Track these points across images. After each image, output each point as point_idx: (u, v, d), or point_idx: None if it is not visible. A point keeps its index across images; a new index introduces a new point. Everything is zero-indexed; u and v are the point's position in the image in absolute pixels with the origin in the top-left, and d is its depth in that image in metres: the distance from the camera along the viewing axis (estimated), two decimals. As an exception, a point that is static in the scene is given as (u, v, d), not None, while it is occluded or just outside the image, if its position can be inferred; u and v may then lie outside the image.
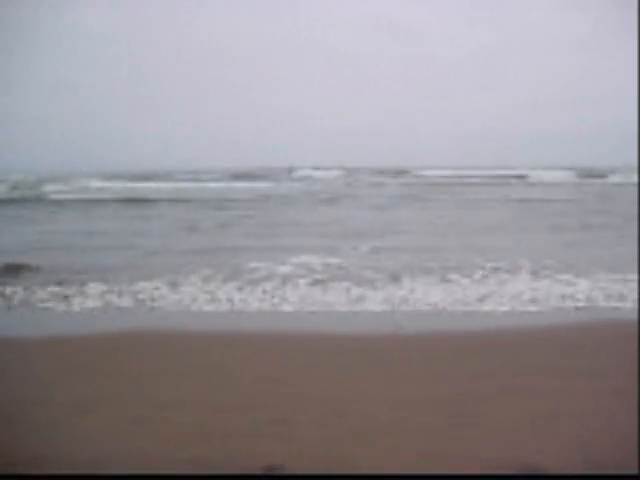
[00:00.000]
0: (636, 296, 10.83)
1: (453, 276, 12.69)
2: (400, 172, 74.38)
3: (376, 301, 10.83)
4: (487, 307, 10.48)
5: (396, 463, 4.54)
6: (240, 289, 11.75)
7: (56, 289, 11.75)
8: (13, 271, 13.49)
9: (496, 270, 13.36)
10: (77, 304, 10.80)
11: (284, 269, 13.66)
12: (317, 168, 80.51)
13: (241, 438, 5.04)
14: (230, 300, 11.01)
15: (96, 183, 53.84)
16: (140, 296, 11.27)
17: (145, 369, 7.15)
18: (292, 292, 11.47)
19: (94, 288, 11.81)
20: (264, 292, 11.51)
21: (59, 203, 34.73)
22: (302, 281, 12.34)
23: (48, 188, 46.02)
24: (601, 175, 63.60)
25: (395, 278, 12.55)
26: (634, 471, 4.26)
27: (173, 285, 12.04)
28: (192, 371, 7.04)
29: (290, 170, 74.33)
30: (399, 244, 17.71)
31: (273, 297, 11.11)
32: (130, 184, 53.40)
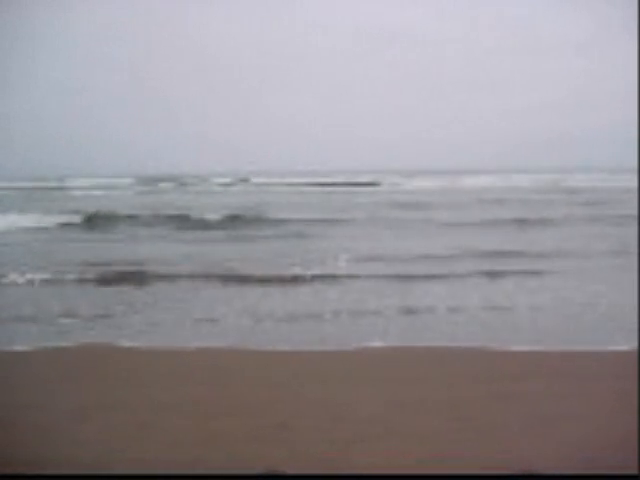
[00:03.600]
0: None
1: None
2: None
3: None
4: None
5: (395, 467, 4.54)
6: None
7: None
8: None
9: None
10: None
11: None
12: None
13: (241, 442, 5.05)
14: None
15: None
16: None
17: (147, 375, 7.17)
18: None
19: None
20: None
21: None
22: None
23: None
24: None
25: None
26: (634, 471, 4.28)
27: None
28: (193, 377, 7.05)
29: (245, 179, 71.68)
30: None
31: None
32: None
